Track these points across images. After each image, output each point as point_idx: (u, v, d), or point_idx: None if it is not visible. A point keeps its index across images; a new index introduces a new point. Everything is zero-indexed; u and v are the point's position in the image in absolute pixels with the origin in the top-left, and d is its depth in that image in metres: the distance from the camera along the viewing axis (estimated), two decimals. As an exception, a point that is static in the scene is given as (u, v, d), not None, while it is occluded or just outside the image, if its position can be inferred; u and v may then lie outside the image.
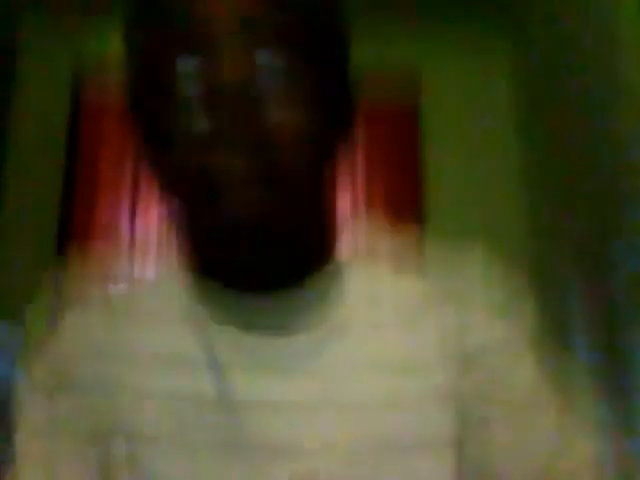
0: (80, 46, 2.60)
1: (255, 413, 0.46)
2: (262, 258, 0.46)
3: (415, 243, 0.58)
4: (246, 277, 0.49)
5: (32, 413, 0.52)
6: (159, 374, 0.50)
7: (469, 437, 0.49)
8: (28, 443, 0.51)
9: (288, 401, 0.46)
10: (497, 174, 2.65)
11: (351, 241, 0.54)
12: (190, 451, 0.47)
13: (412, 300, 0.52)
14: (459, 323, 0.51)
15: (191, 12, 0.41)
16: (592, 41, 2.11)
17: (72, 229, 2.45)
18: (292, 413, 0.46)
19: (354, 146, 0.52)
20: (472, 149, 2.66)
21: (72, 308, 0.57)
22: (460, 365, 0.49)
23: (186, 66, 0.41)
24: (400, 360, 0.48)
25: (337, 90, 0.48)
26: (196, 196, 0.43)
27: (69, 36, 2.60)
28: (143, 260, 2.47)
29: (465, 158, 2.65)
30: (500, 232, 2.58)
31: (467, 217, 2.59)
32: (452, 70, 2.73)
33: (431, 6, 2.55)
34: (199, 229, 0.47)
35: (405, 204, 2.53)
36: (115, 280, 0.64)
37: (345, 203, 2.53)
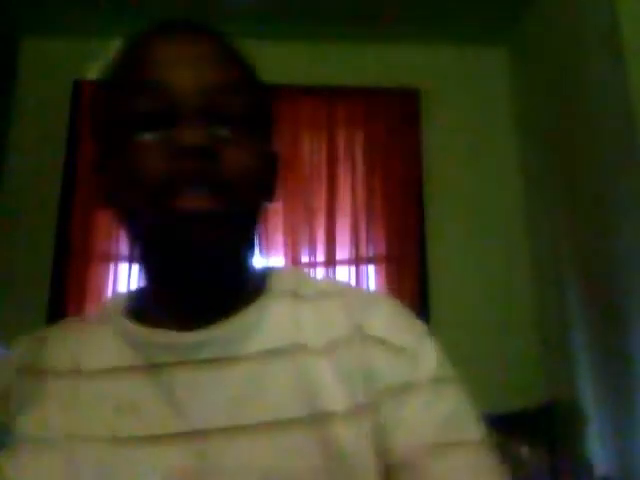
0: (81, 49, 2.60)
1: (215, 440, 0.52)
2: (204, 286, 0.56)
3: (333, 284, 0.65)
4: (185, 313, 0.57)
5: None
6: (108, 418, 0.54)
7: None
8: None
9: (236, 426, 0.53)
10: (497, 175, 2.65)
11: (277, 282, 0.62)
12: None
13: (332, 331, 0.57)
14: (368, 359, 0.56)
15: (160, 92, 0.53)
16: (592, 40, 2.11)
17: (71, 228, 2.45)
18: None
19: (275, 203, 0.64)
20: (472, 149, 2.66)
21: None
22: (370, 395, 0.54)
23: (154, 134, 0.53)
24: (318, 383, 0.54)
25: (266, 155, 0.60)
26: (164, 228, 0.52)
27: (70, 39, 2.60)
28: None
29: (465, 158, 2.65)
30: (500, 233, 2.59)
31: (468, 220, 2.59)
32: (451, 70, 2.74)
33: (430, 9, 2.55)
34: (159, 262, 0.56)
35: (407, 208, 2.54)
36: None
37: (349, 198, 2.53)
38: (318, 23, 2.61)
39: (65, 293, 2.38)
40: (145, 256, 0.58)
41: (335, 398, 0.53)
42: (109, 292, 2.41)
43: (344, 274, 2.48)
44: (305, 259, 2.46)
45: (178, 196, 0.51)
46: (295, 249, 2.47)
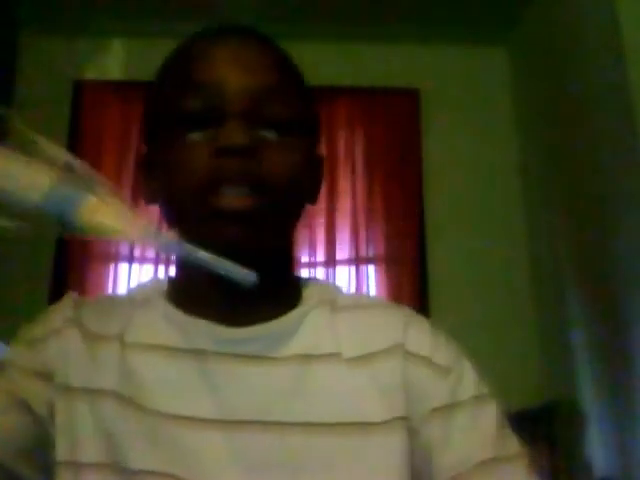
0: (81, 48, 2.60)
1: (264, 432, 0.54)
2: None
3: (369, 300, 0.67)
4: (225, 312, 0.58)
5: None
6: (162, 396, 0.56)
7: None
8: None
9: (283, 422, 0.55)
10: (497, 174, 2.65)
11: (313, 291, 0.63)
12: None
13: (368, 344, 0.59)
14: (413, 377, 0.57)
15: (208, 92, 0.54)
16: (592, 40, 2.11)
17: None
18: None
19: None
20: (472, 149, 2.66)
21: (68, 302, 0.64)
22: (406, 404, 0.56)
23: (200, 134, 0.54)
24: (352, 391, 0.57)
25: (310, 159, 0.61)
26: (205, 226, 0.53)
27: (70, 38, 2.60)
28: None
29: (465, 158, 2.65)
30: (500, 233, 2.59)
31: (468, 220, 2.59)
32: (451, 70, 2.74)
33: (430, 9, 2.55)
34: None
35: (407, 209, 2.54)
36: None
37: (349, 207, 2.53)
38: (318, 23, 2.61)
39: (65, 293, 2.38)
40: None
41: (372, 409, 0.55)
42: (109, 292, 2.41)
43: (344, 274, 2.48)
44: (305, 259, 2.46)
45: (220, 194, 0.52)
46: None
